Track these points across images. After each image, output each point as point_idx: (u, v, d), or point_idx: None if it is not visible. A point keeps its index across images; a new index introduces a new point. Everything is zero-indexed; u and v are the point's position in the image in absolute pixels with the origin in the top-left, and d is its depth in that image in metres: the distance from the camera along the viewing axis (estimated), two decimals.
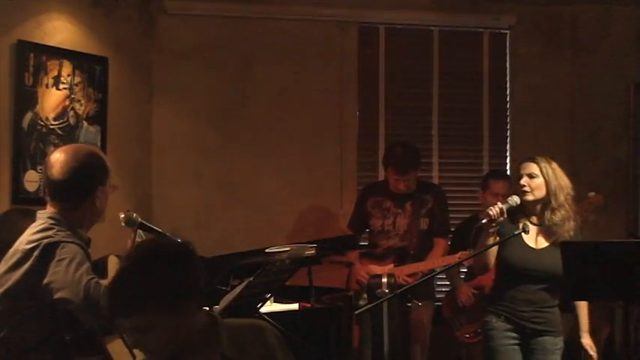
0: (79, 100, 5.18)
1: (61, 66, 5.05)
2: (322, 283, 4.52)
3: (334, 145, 6.11)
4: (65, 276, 2.74)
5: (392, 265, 5.11)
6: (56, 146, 4.84)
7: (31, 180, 4.85)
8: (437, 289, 5.66)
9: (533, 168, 3.96)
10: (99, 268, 3.05)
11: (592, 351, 4.08)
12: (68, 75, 5.10)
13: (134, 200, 5.36)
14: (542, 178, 3.94)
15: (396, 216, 5.29)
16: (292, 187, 5.98)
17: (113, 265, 3.21)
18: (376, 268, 5.08)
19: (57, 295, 2.74)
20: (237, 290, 3.52)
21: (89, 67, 5.26)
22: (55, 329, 2.84)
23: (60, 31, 5.08)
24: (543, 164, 3.96)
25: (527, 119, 6.29)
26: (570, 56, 6.31)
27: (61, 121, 5.07)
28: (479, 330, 5.08)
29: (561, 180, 3.95)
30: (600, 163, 6.18)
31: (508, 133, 6.37)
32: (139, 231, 3.39)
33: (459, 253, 4.84)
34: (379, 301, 4.26)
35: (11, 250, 2.89)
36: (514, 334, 3.96)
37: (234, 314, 3.40)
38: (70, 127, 5.13)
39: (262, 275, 3.59)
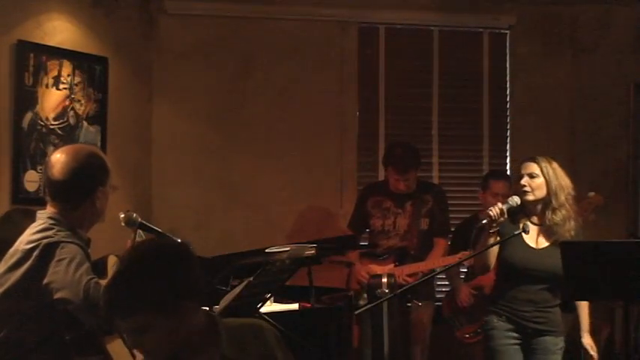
0: (79, 100, 5.19)
1: (61, 66, 5.05)
2: (322, 283, 4.52)
3: (334, 145, 6.11)
4: (65, 276, 2.74)
5: (392, 265, 5.11)
6: (56, 146, 4.84)
7: (31, 180, 4.85)
8: (437, 289, 5.66)
9: (534, 168, 3.96)
10: (98, 268, 3.05)
11: (592, 351, 4.09)
12: (68, 75, 5.10)
13: (134, 200, 5.36)
14: (542, 177, 3.94)
15: (396, 216, 5.29)
16: (292, 187, 5.98)
17: (113, 265, 3.21)
18: (377, 268, 5.08)
19: (57, 295, 2.74)
20: (237, 290, 3.52)
21: (89, 67, 5.26)
22: (55, 329, 2.84)
23: (60, 31, 5.08)
24: (544, 164, 3.96)
25: (527, 119, 6.29)
26: (570, 56, 6.31)
27: (61, 121, 5.07)
28: (479, 330, 5.08)
29: (562, 180, 3.95)
30: (600, 163, 6.18)
31: (508, 133, 6.37)
32: (139, 231, 3.39)
33: (460, 254, 4.84)
34: (379, 301, 4.26)
35: (11, 250, 2.89)
36: (515, 334, 3.96)
37: (234, 314, 3.40)
38: (70, 127, 5.13)
39: (262, 275, 3.59)
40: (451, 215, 5.52)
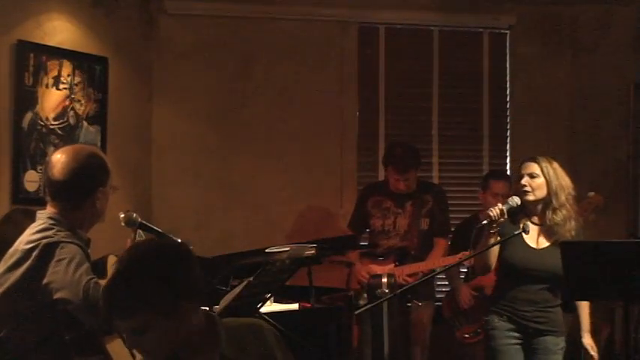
0: (79, 100, 5.19)
1: (61, 66, 5.05)
2: (322, 283, 4.52)
3: (334, 145, 6.11)
4: (64, 276, 2.74)
5: (392, 265, 5.11)
6: (56, 146, 4.85)
7: (31, 180, 4.85)
8: (437, 289, 5.65)
9: (535, 168, 3.96)
10: (98, 267, 3.04)
11: (593, 351, 4.08)
12: (68, 75, 5.10)
13: (134, 200, 5.36)
14: (543, 177, 3.94)
15: (397, 216, 5.29)
16: (292, 187, 5.98)
17: (112, 264, 3.21)
18: (377, 268, 5.07)
19: (56, 296, 2.74)
20: (237, 290, 3.52)
21: (89, 67, 5.26)
22: (55, 329, 2.84)
23: (60, 31, 5.08)
24: (544, 164, 3.96)
25: (527, 119, 6.29)
26: (570, 56, 6.31)
27: (61, 121, 5.07)
28: (479, 330, 5.09)
29: (562, 180, 3.95)
30: (600, 163, 6.18)
31: (508, 133, 6.37)
32: (139, 231, 3.39)
33: (460, 254, 4.83)
34: (379, 301, 4.26)
35: (11, 250, 2.88)
36: (516, 334, 3.96)
37: (234, 314, 3.40)
38: (70, 127, 5.13)
39: (262, 275, 3.58)
40: (451, 215, 5.52)
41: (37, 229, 2.87)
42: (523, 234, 3.81)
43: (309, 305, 4.16)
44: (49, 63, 4.98)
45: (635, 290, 3.60)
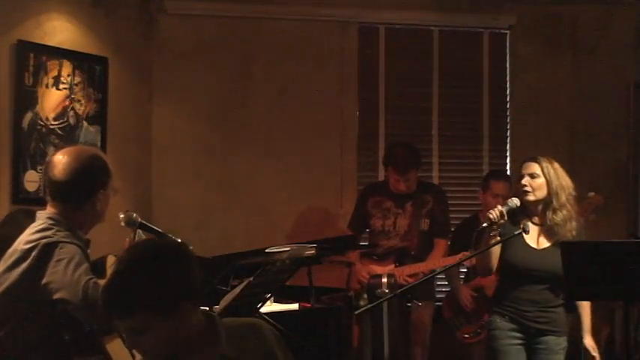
0: (79, 100, 5.18)
1: (61, 66, 5.05)
2: (322, 283, 4.52)
3: (334, 145, 6.11)
4: (64, 276, 2.74)
5: (393, 266, 5.11)
6: (56, 146, 4.85)
7: (31, 180, 4.85)
8: (437, 289, 5.65)
9: (535, 168, 3.95)
10: (97, 268, 3.04)
11: (594, 352, 4.08)
12: (68, 75, 5.10)
13: (134, 200, 5.36)
14: (543, 178, 3.93)
15: (397, 216, 5.29)
16: (292, 187, 5.98)
17: (111, 264, 3.21)
18: (377, 269, 5.07)
19: (56, 296, 2.74)
20: (237, 290, 3.52)
21: (89, 67, 5.26)
22: (55, 329, 2.84)
23: (60, 31, 5.08)
24: (545, 164, 3.95)
25: (527, 119, 6.29)
26: (570, 56, 6.31)
27: (61, 121, 5.07)
28: (479, 330, 5.10)
29: (563, 180, 3.94)
30: (600, 163, 6.18)
31: (508, 133, 6.37)
32: (139, 231, 3.39)
33: (460, 254, 4.83)
34: (379, 301, 4.25)
35: (10, 250, 2.89)
36: (518, 334, 3.96)
37: (234, 314, 3.40)
38: (70, 127, 5.13)
39: (262, 275, 3.59)
40: (451, 215, 5.51)
41: (36, 229, 2.87)
42: (524, 234, 3.80)
43: (309, 305, 4.16)
44: (49, 63, 4.97)
45: (635, 290, 3.60)
